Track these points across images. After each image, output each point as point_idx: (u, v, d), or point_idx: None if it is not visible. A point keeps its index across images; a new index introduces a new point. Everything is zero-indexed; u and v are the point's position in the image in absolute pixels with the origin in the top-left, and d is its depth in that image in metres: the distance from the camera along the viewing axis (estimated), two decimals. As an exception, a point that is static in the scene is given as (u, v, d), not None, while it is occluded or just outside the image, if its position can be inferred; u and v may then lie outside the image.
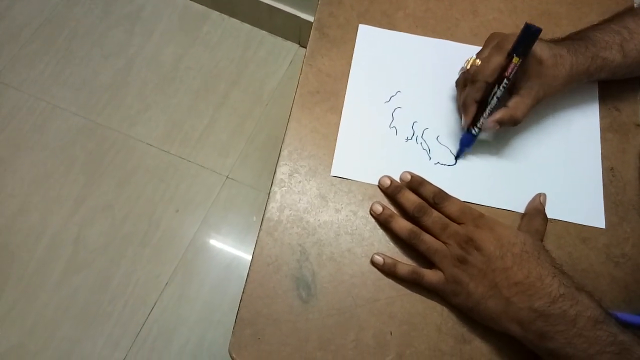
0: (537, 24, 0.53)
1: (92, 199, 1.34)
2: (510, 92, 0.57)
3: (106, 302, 1.24)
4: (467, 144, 0.59)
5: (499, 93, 0.56)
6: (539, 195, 0.56)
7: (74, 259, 1.28)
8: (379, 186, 0.57)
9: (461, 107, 0.59)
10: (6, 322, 1.21)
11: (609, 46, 0.58)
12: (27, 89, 1.46)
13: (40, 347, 1.19)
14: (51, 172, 1.37)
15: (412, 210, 0.54)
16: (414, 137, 0.60)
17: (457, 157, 0.60)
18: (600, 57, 0.58)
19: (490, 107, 0.56)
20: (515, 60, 0.54)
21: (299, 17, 1.48)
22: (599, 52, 0.58)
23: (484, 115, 0.56)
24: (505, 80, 0.55)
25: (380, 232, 0.55)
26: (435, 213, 0.53)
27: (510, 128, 0.58)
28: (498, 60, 0.55)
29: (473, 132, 0.58)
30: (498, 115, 0.56)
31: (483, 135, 0.59)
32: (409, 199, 0.55)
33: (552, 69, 0.56)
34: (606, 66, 0.58)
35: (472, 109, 0.57)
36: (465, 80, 0.58)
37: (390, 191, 0.56)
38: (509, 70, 0.54)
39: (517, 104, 0.56)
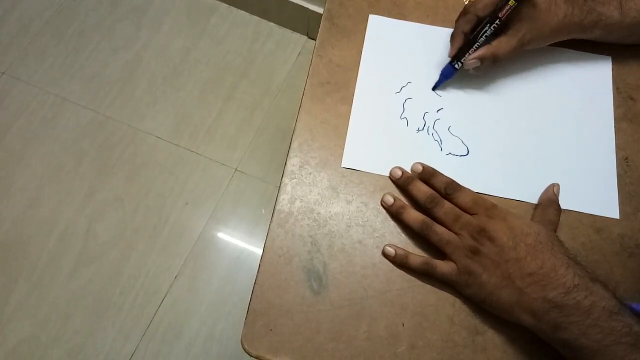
0: None
1: (102, 193, 1.35)
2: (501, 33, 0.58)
3: (117, 294, 1.25)
4: (447, 75, 0.61)
5: (488, 32, 0.57)
6: (553, 185, 0.56)
7: (84, 252, 1.29)
8: (390, 177, 0.57)
9: (450, 37, 0.61)
10: (19, 314, 1.22)
11: (608, 1, 0.57)
12: (36, 83, 1.47)
13: (52, 338, 1.21)
14: (61, 165, 1.38)
15: (423, 201, 0.53)
16: (425, 128, 0.60)
17: (435, 87, 0.62)
18: (596, 11, 0.57)
19: (478, 44, 0.57)
20: (511, 2, 0.55)
21: (307, 9, 1.47)
22: (596, 6, 0.57)
23: (470, 51, 0.58)
24: (497, 21, 0.56)
25: (391, 223, 0.55)
26: (447, 204, 0.53)
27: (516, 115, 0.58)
28: None
29: (456, 65, 0.59)
30: (480, 52, 0.57)
31: (473, 72, 0.61)
32: (421, 189, 0.54)
33: (544, 13, 0.56)
34: (601, 22, 0.58)
35: (459, 40, 0.59)
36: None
37: (401, 182, 0.56)
38: (503, 12, 0.55)
39: (500, 43, 0.57)
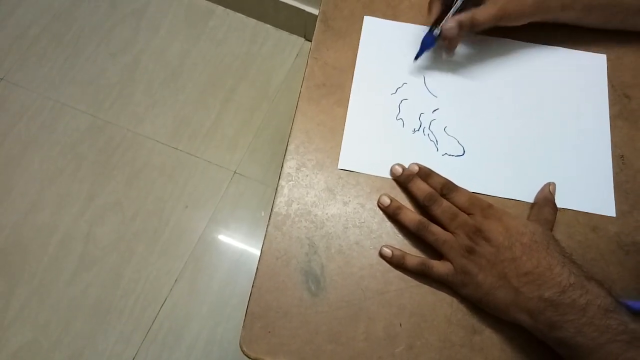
0: None
1: (101, 197, 1.35)
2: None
3: (117, 298, 1.25)
4: (427, 45, 0.60)
5: None
6: (548, 184, 0.56)
7: (85, 256, 1.29)
8: (390, 174, 0.57)
9: (428, 5, 0.61)
10: (20, 318, 1.23)
11: None
12: (35, 88, 1.47)
13: (53, 343, 1.21)
14: (61, 170, 1.38)
15: (422, 198, 0.54)
16: (421, 129, 0.60)
17: (416, 58, 0.62)
18: None
19: (455, 7, 0.58)
20: None
21: (304, 11, 1.47)
22: None
23: (448, 16, 0.58)
24: None
25: (388, 224, 0.55)
26: (445, 202, 0.53)
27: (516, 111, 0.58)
28: None
29: (435, 31, 0.59)
30: (458, 16, 0.57)
31: (447, 56, 0.62)
32: (420, 187, 0.54)
33: None
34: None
35: (436, 7, 0.60)
36: None
37: (402, 179, 0.56)
38: None
39: (480, 10, 0.57)
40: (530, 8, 0.58)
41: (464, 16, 0.57)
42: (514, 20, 0.59)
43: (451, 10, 0.58)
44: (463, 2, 0.57)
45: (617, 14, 0.60)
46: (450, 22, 0.57)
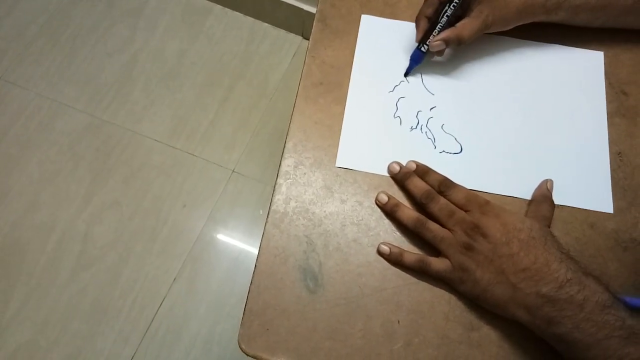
0: None
1: (99, 196, 1.35)
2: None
3: (115, 297, 1.25)
4: (416, 60, 0.61)
5: (449, 12, 0.58)
6: (546, 181, 0.56)
7: (83, 256, 1.29)
8: (388, 172, 0.57)
9: (415, 22, 0.61)
10: (18, 318, 1.22)
11: None
12: (32, 87, 1.47)
13: (52, 343, 1.21)
14: (59, 169, 1.38)
15: (419, 196, 0.54)
16: (419, 127, 0.60)
17: (406, 74, 0.62)
18: None
19: (440, 25, 0.58)
20: None
21: (301, 9, 1.47)
22: None
23: (434, 33, 0.59)
24: (455, 0, 0.57)
25: (386, 221, 0.55)
26: (442, 200, 0.53)
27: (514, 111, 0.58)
28: None
29: (422, 49, 0.60)
30: (444, 34, 0.58)
31: (438, 57, 0.62)
32: (417, 185, 0.55)
33: None
34: (566, 3, 0.59)
35: (423, 24, 0.60)
36: None
37: (399, 177, 0.56)
38: None
39: (464, 25, 0.58)
40: (514, 15, 0.59)
41: (450, 32, 0.58)
42: (500, 27, 0.60)
43: (436, 29, 0.58)
44: (448, 18, 0.58)
45: (600, 16, 0.61)
46: (436, 40, 0.58)
